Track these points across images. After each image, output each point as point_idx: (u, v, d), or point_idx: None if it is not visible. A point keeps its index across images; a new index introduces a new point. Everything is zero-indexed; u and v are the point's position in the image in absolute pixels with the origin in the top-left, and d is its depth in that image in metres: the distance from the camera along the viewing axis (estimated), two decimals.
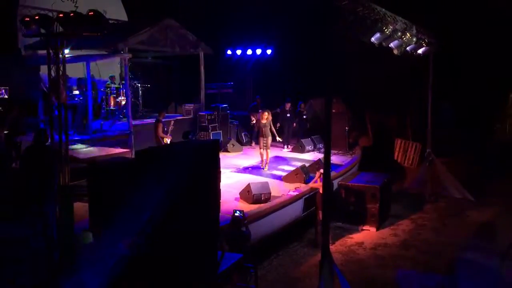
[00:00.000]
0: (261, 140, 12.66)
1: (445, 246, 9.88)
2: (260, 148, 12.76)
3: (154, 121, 12.72)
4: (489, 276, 8.19)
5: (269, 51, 18.71)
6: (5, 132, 9.71)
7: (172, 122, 12.75)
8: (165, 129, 12.30)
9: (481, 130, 16.68)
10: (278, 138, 13.52)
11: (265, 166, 12.80)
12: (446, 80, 15.49)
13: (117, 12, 18.19)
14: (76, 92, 14.13)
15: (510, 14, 15.60)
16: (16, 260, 6.60)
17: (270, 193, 10.06)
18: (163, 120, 12.53)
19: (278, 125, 15.43)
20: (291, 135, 16.10)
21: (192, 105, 16.45)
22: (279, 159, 14.26)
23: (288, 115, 15.77)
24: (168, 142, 12.02)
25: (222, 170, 6.23)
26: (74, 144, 10.99)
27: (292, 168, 12.28)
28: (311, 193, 10.55)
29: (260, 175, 12.19)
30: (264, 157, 12.79)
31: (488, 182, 14.07)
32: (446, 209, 12.52)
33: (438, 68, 13.47)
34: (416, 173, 14.44)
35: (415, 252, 9.68)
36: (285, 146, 15.84)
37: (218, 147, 6.55)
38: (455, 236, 10.50)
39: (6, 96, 10.95)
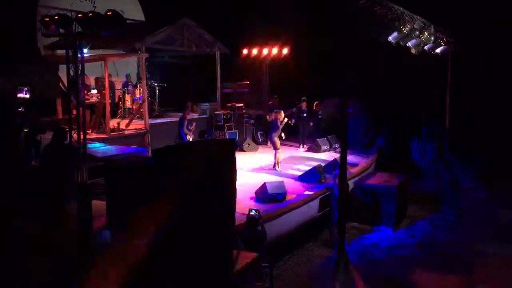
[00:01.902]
0: (278, 140, 12.59)
1: (463, 248, 9.77)
2: (276, 149, 12.65)
3: (178, 119, 12.83)
4: (507, 276, 8.08)
5: (285, 50, 18.67)
6: (25, 130, 9.86)
7: (194, 123, 12.90)
8: (189, 127, 12.44)
9: (499, 130, 16.44)
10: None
11: (278, 166, 12.75)
12: (464, 79, 15.31)
13: (134, 12, 18.35)
14: (94, 91, 14.29)
15: None
16: (35, 257, 6.69)
17: (285, 193, 10.05)
18: (188, 118, 12.68)
19: (289, 121, 15.37)
20: (307, 135, 16.07)
21: (208, 104, 16.52)
22: (294, 159, 14.25)
23: (304, 114, 15.73)
24: (190, 140, 12.21)
25: (237, 169, 6.24)
26: (92, 143, 11.11)
27: (307, 168, 12.25)
28: (327, 193, 10.53)
29: (276, 174, 12.19)
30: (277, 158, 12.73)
31: (506, 183, 13.85)
32: (464, 209, 12.36)
33: (456, 68, 13.32)
34: (433, 173, 14.31)
35: (432, 253, 9.59)
36: (301, 146, 15.81)
37: (234, 146, 6.56)
38: (473, 237, 10.37)
39: (28, 96, 11.11)
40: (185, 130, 12.30)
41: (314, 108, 16.18)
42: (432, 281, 8.44)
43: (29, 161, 9.67)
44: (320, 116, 16.36)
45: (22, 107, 10.70)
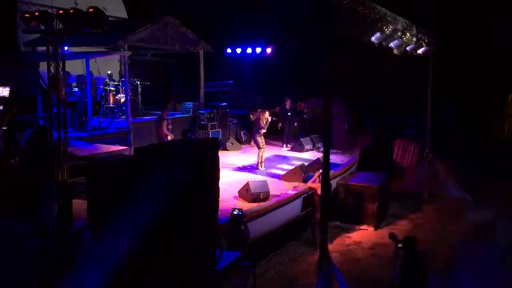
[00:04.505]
0: (261, 140, 12.57)
1: (443, 246, 9.89)
2: (260, 148, 12.64)
3: (156, 118, 12.69)
4: (488, 276, 8.19)
5: (269, 50, 18.67)
6: (4, 128, 9.69)
7: (170, 120, 12.80)
8: (168, 127, 12.34)
9: (480, 130, 16.69)
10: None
11: (262, 165, 12.74)
12: (445, 80, 15.50)
13: (117, 9, 18.19)
14: (75, 89, 14.11)
15: (509, 16, 15.61)
16: (15, 257, 6.59)
17: (268, 192, 10.06)
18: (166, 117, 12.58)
19: (280, 125, 15.48)
20: (291, 134, 16.10)
21: (192, 103, 16.44)
22: (278, 158, 14.26)
23: (289, 114, 15.75)
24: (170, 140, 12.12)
25: (221, 168, 6.22)
26: (73, 141, 10.97)
27: (291, 167, 12.28)
28: (310, 193, 10.56)
29: (259, 173, 12.19)
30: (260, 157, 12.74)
31: (487, 183, 14.06)
32: (444, 209, 12.52)
33: (438, 69, 13.47)
34: (415, 173, 14.45)
35: None
36: (284, 145, 15.83)
37: (217, 145, 6.54)
38: (453, 236, 10.51)
39: (6, 94, 10.93)
40: (165, 131, 12.16)
41: (298, 107, 16.23)
42: None
43: (8, 160, 9.50)
44: (304, 116, 16.42)
45: (0, 105, 10.52)
